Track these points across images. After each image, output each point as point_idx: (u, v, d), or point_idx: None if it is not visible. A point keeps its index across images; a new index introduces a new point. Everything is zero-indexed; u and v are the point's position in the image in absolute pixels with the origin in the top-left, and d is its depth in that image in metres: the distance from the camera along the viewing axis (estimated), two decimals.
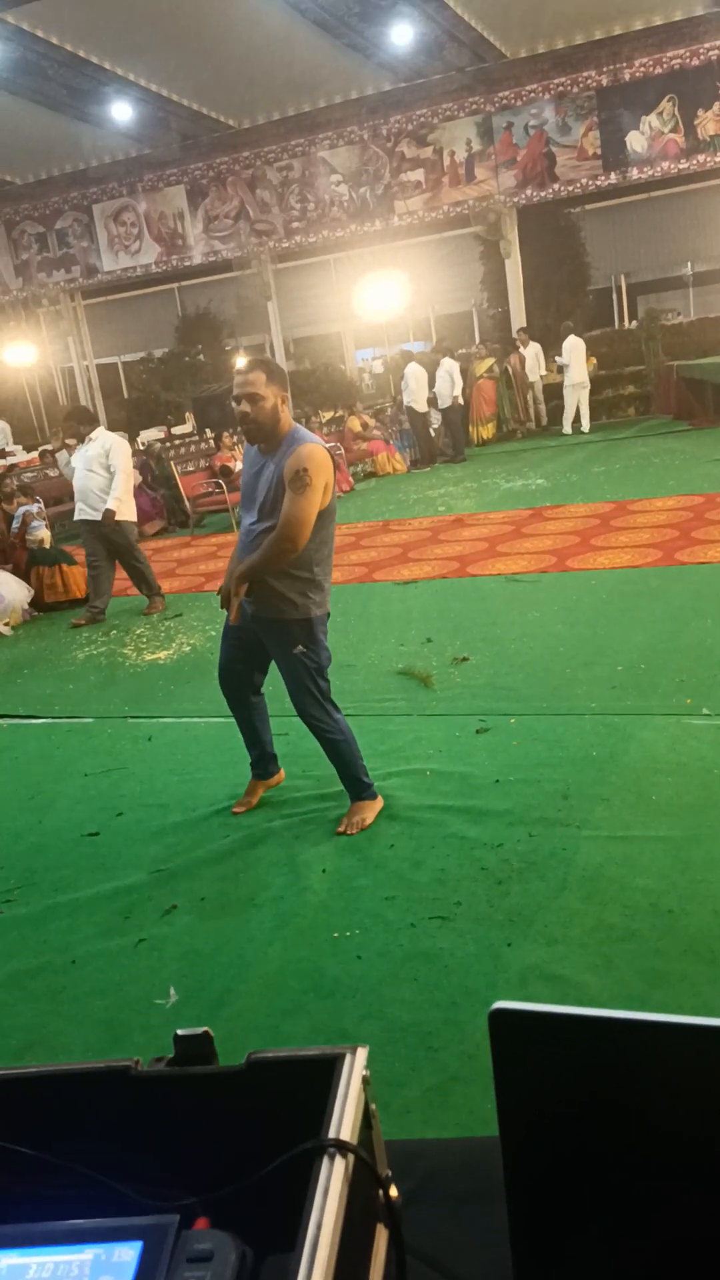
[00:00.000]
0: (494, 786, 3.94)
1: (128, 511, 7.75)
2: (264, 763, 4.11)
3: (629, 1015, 0.66)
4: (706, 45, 14.81)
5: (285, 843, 3.77)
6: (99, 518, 7.60)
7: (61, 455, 11.13)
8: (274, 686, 3.98)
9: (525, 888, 3.21)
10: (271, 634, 3.68)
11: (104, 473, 7.54)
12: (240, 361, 3.67)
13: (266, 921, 3.27)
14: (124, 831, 4.08)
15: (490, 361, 15.96)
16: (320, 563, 3.61)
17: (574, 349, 14.81)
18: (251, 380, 3.41)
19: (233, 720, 5.16)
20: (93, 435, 7.64)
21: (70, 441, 8.26)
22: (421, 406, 14.45)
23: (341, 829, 3.76)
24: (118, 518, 7.64)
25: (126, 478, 7.71)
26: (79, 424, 7.83)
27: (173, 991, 2.92)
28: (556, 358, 15.14)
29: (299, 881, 3.48)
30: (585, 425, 15.20)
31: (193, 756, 4.79)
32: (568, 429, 15.23)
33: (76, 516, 7.94)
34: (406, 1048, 2.57)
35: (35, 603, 8.58)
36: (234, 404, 3.50)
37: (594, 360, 16.70)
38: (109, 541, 7.75)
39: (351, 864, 3.55)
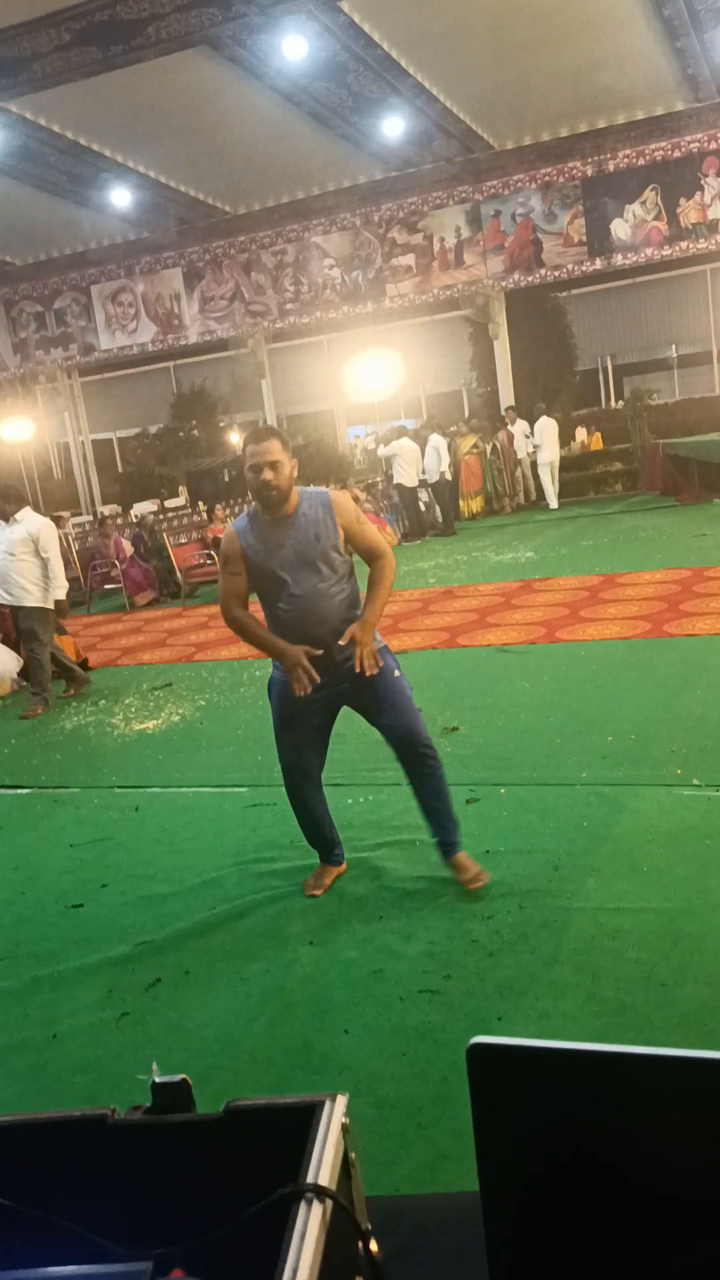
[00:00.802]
0: (484, 857, 3.90)
1: (47, 599, 7.33)
2: (333, 847, 3.93)
3: (611, 1049, 0.64)
4: (687, 138, 15.36)
5: (273, 915, 3.71)
6: (18, 602, 7.30)
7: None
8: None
9: (516, 960, 3.16)
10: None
11: (28, 557, 7.19)
12: (246, 434, 3.64)
13: (253, 995, 3.20)
14: (109, 903, 4.02)
15: (474, 438, 16.27)
16: None
17: (545, 429, 15.59)
18: (269, 448, 3.43)
19: (220, 790, 5.17)
20: (18, 516, 7.27)
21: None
22: (410, 481, 14.67)
23: (476, 885, 3.61)
24: (38, 604, 7.30)
25: (59, 562, 7.39)
26: (5, 503, 7.35)
27: (156, 1067, 2.84)
28: (528, 436, 15.71)
29: (286, 954, 3.42)
30: (553, 503, 15.78)
31: (180, 827, 4.74)
32: (553, 504, 15.70)
33: None
34: (396, 1124, 2.51)
35: (24, 673, 8.55)
36: (251, 474, 3.44)
37: (598, 435, 17.17)
38: (19, 626, 7.47)
39: (339, 936, 3.49)
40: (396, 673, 3.62)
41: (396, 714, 3.61)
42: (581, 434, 17.43)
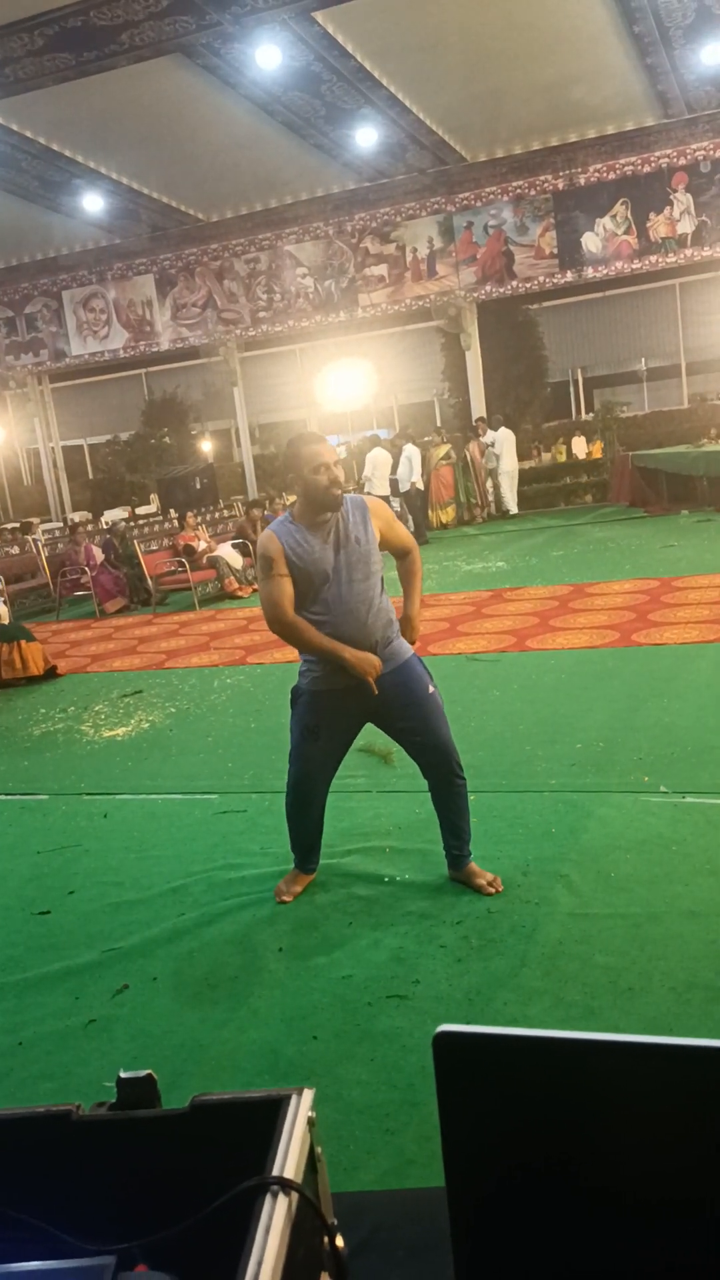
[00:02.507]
0: None
1: None
2: (313, 855, 3.90)
3: (580, 1036, 0.65)
4: (656, 153, 15.52)
5: (241, 922, 3.70)
6: None
7: None
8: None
9: (484, 965, 3.17)
10: (409, 681, 3.56)
11: None
12: (292, 439, 3.55)
13: (220, 1002, 3.19)
14: (76, 910, 3.99)
15: (446, 448, 16.38)
16: None
17: (504, 439, 15.95)
18: (330, 450, 3.45)
19: (190, 797, 5.14)
20: None
21: None
22: (382, 491, 14.72)
23: (493, 890, 3.63)
24: None
25: None
26: None
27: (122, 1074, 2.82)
28: (490, 446, 15.97)
29: (254, 961, 3.41)
30: (513, 509, 16.11)
31: (149, 834, 4.72)
32: (514, 509, 16.12)
33: None
34: (363, 1130, 2.51)
35: None
36: (315, 475, 3.37)
37: (599, 443, 17.39)
38: None
39: (308, 942, 3.49)
40: (431, 688, 3.59)
41: (430, 734, 3.59)
42: (580, 444, 17.58)
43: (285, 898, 3.80)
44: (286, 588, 3.46)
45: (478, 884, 3.67)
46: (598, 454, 17.42)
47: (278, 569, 3.44)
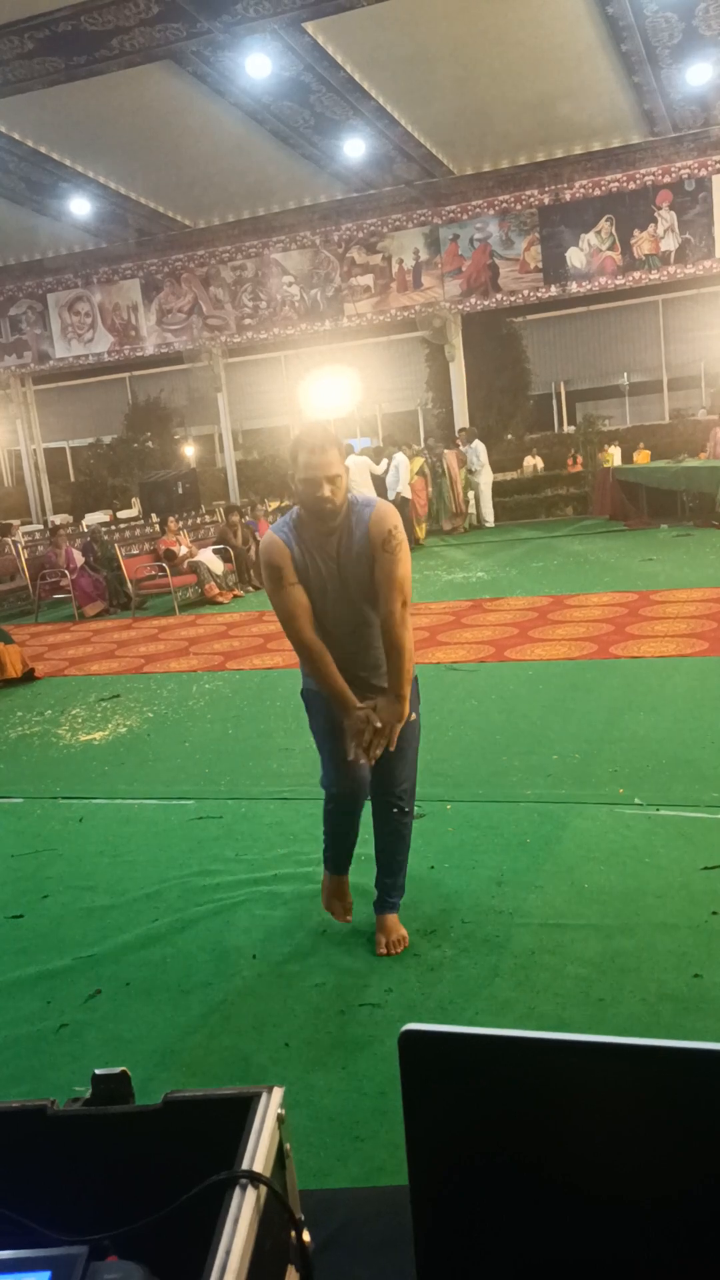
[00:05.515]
0: (428, 872, 3.93)
1: None
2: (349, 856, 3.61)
3: (543, 1035, 0.66)
4: (642, 171, 15.69)
5: (215, 928, 3.70)
6: None
7: None
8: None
9: (457, 975, 3.19)
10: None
11: None
12: (296, 435, 3.10)
13: (193, 1008, 3.19)
14: (49, 914, 3.98)
15: (420, 462, 16.45)
16: None
17: (481, 451, 16.37)
18: (331, 461, 2.97)
19: (166, 802, 5.14)
20: None
21: None
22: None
23: (384, 950, 3.35)
24: None
25: None
26: None
27: (97, 1071, 2.82)
28: (470, 457, 16.15)
29: (227, 967, 3.41)
30: (490, 521, 16.48)
31: (124, 838, 4.71)
32: (491, 521, 16.43)
33: None
34: (332, 1137, 2.51)
35: None
36: (306, 487, 2.99)
37: (648, 452, 17.51)
38: None
39: (282, 950, 3.49)
40: (413, 715, 3.31)
41: (395, 765, 3.35)
42: (615, 452, 17.62)
43: (347, 917, 3.53)
44: (300, 598, 3.09)
45: (380, 937, 3.40)
46: (644, 460, 17.53)
47: (287, 577, 3.07)
